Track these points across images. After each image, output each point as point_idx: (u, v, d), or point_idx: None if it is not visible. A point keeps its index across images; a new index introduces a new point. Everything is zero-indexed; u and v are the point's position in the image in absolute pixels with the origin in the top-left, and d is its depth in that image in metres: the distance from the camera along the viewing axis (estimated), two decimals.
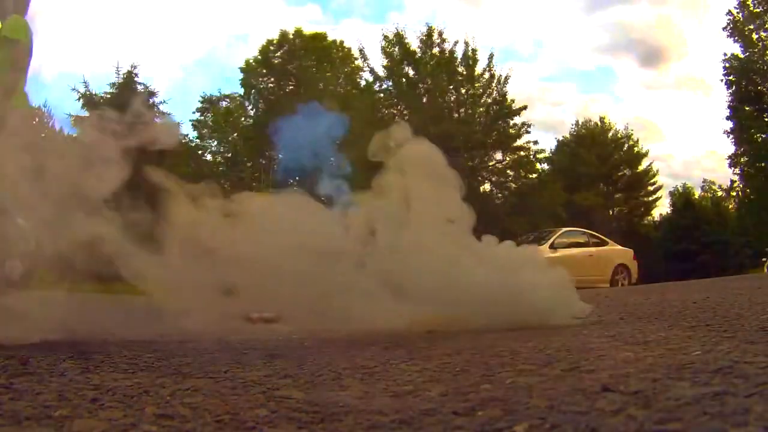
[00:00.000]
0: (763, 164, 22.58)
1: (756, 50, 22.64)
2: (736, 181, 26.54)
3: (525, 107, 24.53)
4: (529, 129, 24.71)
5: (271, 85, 27.36)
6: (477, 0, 40.37)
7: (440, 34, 24.53)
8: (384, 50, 24.68)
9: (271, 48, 27.41)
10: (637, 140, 30.29)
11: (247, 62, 27.52)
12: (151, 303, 2.62)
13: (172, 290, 2.42)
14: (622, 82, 47.72)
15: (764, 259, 22.19)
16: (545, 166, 27.98)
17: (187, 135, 25.99)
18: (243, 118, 27.62)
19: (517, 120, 24.50)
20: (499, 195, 25.39)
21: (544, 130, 57.38)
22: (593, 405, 1.02)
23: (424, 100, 24.18)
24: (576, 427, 0.90)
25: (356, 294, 2.52)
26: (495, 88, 24.37)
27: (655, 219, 31.62)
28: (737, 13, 22.71)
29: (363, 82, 25.99)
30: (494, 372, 1.46)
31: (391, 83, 24.96)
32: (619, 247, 13.14)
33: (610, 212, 29.69)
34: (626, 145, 30.16)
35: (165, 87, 52.94)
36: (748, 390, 1.02)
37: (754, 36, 22.68)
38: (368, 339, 2.30)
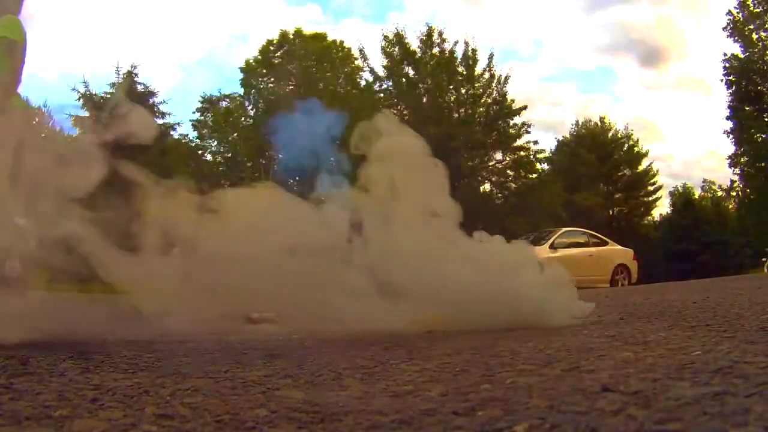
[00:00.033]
0: (763, 164, 22.57)
1: (756, 50, 22.64)
2: (736, 181, 26.58)
3: (525, 107, 24.58)
4: (529, 129, 24.76)
5: (271, 85, 27.33)
6: (477, 0, 40.40)
7: (440, 34, 24.57)
8: (384, 50, 24.73)
9: (271, 48, 27.39)
10: (637, 140, 30.34)
11: (247, 62, 27.51)
12: (129, 303, 2.54)
13: (149, 289, 2.36)
14: (622, 82, 47.79)
15: (764, 259, 22.21)
16: (545, 166, 28.03)
17: (187, 135, 26.03)
18: (243, 118, 27.58)
19: (517, 120, 24.55)
20: (499, 195, 25.40)
21: (544, 130, 57.43)
22: (593, 405, 1.02)
23: (424, 100, 24.19)
24: (576, 427, 0.90)
25: (338, 291, 2.46)
26: (495, 88, 24.39)
27: (655, 219, 31.67)
28: (737, 13, 22.73)
29: (363, 82, 26.00)
30: (494, 372, 1.46)
31: (391, 83, 24.99)
32: (619, 247, 13.14)
33: (610, 212, 29.69)
34: (626, 145, 30.17)
35: (165, 87, 52.90)
36: (748, 390, 1.02)
37: (754, 36, 22.69)
38: (368, 339, 2.30)
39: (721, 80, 23.22)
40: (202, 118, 27.52)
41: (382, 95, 24.74)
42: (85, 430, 1.02)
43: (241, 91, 27.43)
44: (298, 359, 1.85)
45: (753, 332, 1.84)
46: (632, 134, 30.32)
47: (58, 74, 40.38)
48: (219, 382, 1.47)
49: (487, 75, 24.51)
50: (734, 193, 29.13)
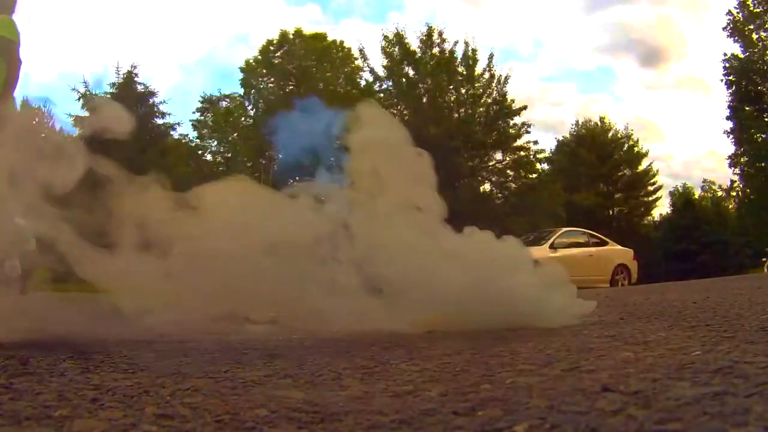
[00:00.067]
0: (763, 164, 22.57)
1: (756, 50, 22.64)
2: (736, 181, 26.57)
3: (525, 107, 24.57)
4: (529, 129, 24.75)
5: (271, 85, 27.33)
6: (477, 0, 40.42)
7: (440, 34, 24.55)
8: (384, 50, 24.71)
9: (271, 48, 27.39)
10: (637, 140, 30.35)
11: (247, 62, 27.52)
12: (109, 302, 2.47)
13: (127, 288, 2.30)
14: (622, 82, 47.87)
15: (764, 259, 22.20)
16: (545, 166, 28.03)
17: (187, 135, 26.03)
18: (243, 118, 27.60)
19: (517, 120, 24.53)
20: (499, 195, 25.39)
21: (544, 130, 57.48)
22: (593, 405, 1.02)
23: (424, 100, 24.18)
24: (576, 427, 0.90)
25: (322, 288, 2.39)
26: (495, 88, 24.38)
27: (655, 219, 31.69)
28: (737, 13, 22.73)
29: (363, 82, 26.00)
30: (494, 372, 1.46)
31: (391, 83, 24.97)
32: (619, 247, 13.13)
33: (610, 212, 29.69)
34: (626, 145, 30.17)
35: (165, 87, 52.92)
36: (748, 390, 1.02)
37: (754, 36, 22.69)
38: (368, 339, 2.30)
39: (721, 80, 23.25)
40: (202, 118, 27.55)
41: (382, 95, 24.70)
42: (85, 430, 1.02)
43: (241, 91, 27.48)
44: (298, 359, 1.85)
45: (753, 332, 1.84)
46: (632, 134, 30.37)
47: (57, 74, 40.44)
48: (219, 382, 1.47)
49: (487, 75, 24.52)
50: (734, 193, 29.15)
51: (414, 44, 24.53)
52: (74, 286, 2.78)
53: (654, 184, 30.21)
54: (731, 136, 23.30)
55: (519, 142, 24.73)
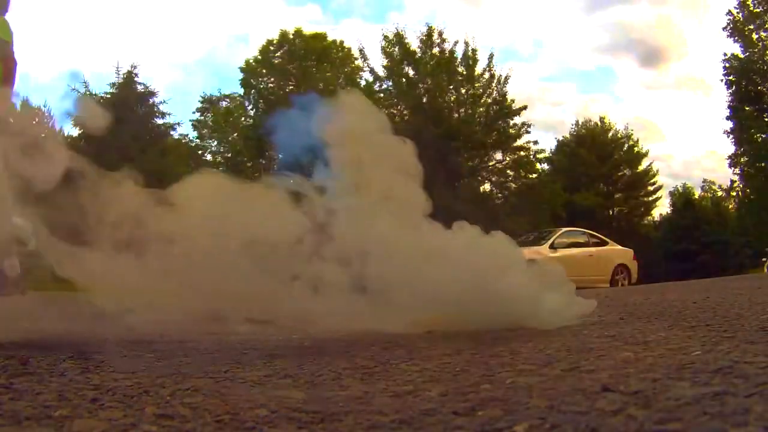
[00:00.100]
0: (763, 164, 22.56)
1: (756, 50, 22.62)
2: (736, 181, 26.54)
3: (525, 107, 24.53)
4: (529, 129, 24.71)
5: (271, 85, 27.34)
6: (477, 0, 40.40)
7: (440, 34, 24.52)
8: (384, 50, 24.67)
9: (271, 48, 27.40)
10: (637, 140, 30.28)
11: (247, 62, 27.52)
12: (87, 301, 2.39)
13: (104, 287, 2.25)
14: (622, 82, 47.77)
15: (764, 259, 22.23)
16: (545, 166, 28.00)
17: (187, 135, 26.03)
18: (243, 118, 27.61)
19: (517, 120, 24.49)
20: (499, 195, 25.38)
21: (544, 130, 57.43)
22: (593, 405, 1.02)
23: (424, 100, 24.15)
24: (576, 427, 0.90)
25: (303, 286, 2.32)
26: (495, 88, 24.35)
27: (655, 219, 31.65)
28: (737, 13, 22.70)
29: (363, 82, 25.98)
30: (494, 372, 1.46)
31: (391, 83, 24.93)
32: (619, 247, 13.13)
33: (610, 212, 29.67)
34: (626, 145, 30.13)
35: (165, 87, 52.92)
36: (748, 390, 1.02)
37: (754, 36, 22.67)
38: (368, 339, 2.30)
39: (721, 80, 23.21)
40: (202, 118, 27.56)
41: (382, 95, 24.70)
42: (85, 430, 1.02)
43: (241, 91, 27.48)
44: (298, 359, 1.85)
45: (753, 332, 1.84)
46: (632, 134, 30.29)
47: (58, 74, 40.44)
48: (219, 382, 1.47)
49: (487, 75, 24.48)
50: (734, 193, 29.12)
51: (414, 44, 24.52)
52: (72, 285, 2.76)
53: (654, 184, 30.19)
54: (731, 136, 23.29)
55: (519, 142, 24.72)
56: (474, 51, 24.34)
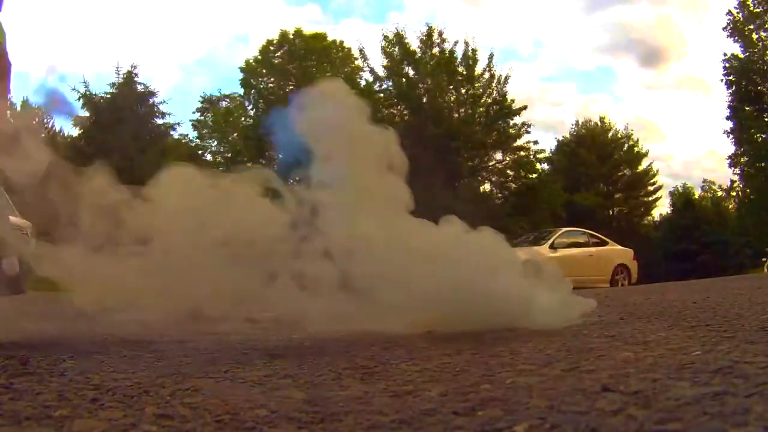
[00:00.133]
0: (763, 164, 22.56)
1: (756, 50, 22.62)
2: (736, 181, 26.55)
3: (525, 107, 24.54)
4: (529, 129, 24.73)
5: (271, 85, 27.35)
6: (477, 0, 40.41)
7: (440, 34, 24.53)
8: (384, 50, 24.68)
9: (271, 48, 27.41)
10: (637, 140, 30.30)
11: (247, 62, 27.53)
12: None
13: (83, 286, 2.22)
14: (622, 82, 47.81)
15: (764, 259, 22.22)
16: (545, 166, 28.00)
17: (187, 135, 26.02)
18: (243, 118, 27.61)
19: (517, 120, 24.51)
20: (499, 195, 25.38)
21: (544, 130, 57.46)
22: (593, 405, 1.02)
23: (424, 100, 24.15)
24: (576, 427, 0.90)
25: (285, 282, 2.25)
26: (495, 88, 24.35)
27: (655, 219, 31.67)
28: (737, 13, 22.71)
29: (363, 82, 25.97)
30: (494, 372, 1.46)
31: (391, 83, 24.93)
32: (619, 247, 13.14)
33: (610, 212, 29.68)
34: (626, 145, 30.14)
35: (165, 87, 52.95)
36: (748, 390, 1.02)
37: (754, 36, 22.67)
38: (368, 339, 2.30)
39: (721, 80, 23.22)
40: (202, 118, 27.56)
41: (382, 95, 24.69)
42: (85, 430, 1.02)
43: (241, 91, 27.49)
44: (298, 359, 1.85)
45: (753, 332, 1.84)
46: (632, 134, 30.31)
47: (57, 74, 40.37)
48: (219, 382, 1.47)
49: (487, 75, 24.49)
50: (734, 193, 29.14)
51: (414, 44, 24.52)
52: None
53: (654, 184, 30.21)
54: (731, 136, 23.30)
55: (519, 142, 24.73)
56: (474, 51, 24.36)
